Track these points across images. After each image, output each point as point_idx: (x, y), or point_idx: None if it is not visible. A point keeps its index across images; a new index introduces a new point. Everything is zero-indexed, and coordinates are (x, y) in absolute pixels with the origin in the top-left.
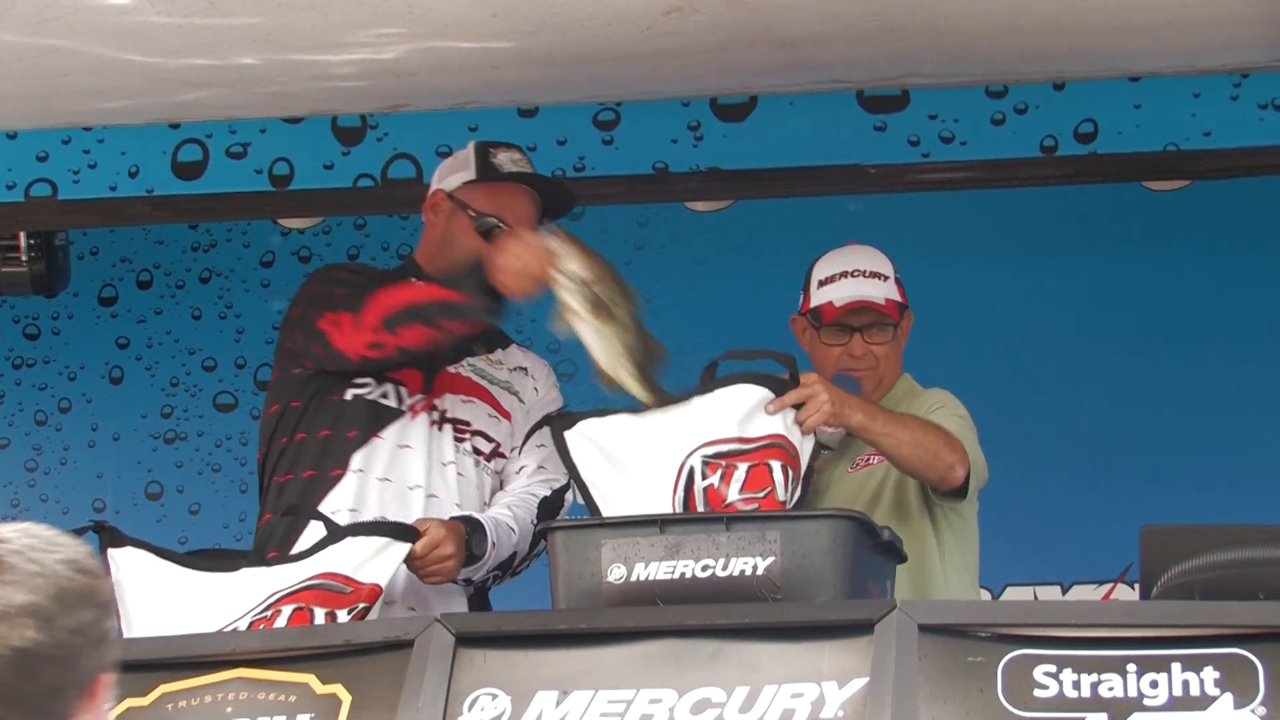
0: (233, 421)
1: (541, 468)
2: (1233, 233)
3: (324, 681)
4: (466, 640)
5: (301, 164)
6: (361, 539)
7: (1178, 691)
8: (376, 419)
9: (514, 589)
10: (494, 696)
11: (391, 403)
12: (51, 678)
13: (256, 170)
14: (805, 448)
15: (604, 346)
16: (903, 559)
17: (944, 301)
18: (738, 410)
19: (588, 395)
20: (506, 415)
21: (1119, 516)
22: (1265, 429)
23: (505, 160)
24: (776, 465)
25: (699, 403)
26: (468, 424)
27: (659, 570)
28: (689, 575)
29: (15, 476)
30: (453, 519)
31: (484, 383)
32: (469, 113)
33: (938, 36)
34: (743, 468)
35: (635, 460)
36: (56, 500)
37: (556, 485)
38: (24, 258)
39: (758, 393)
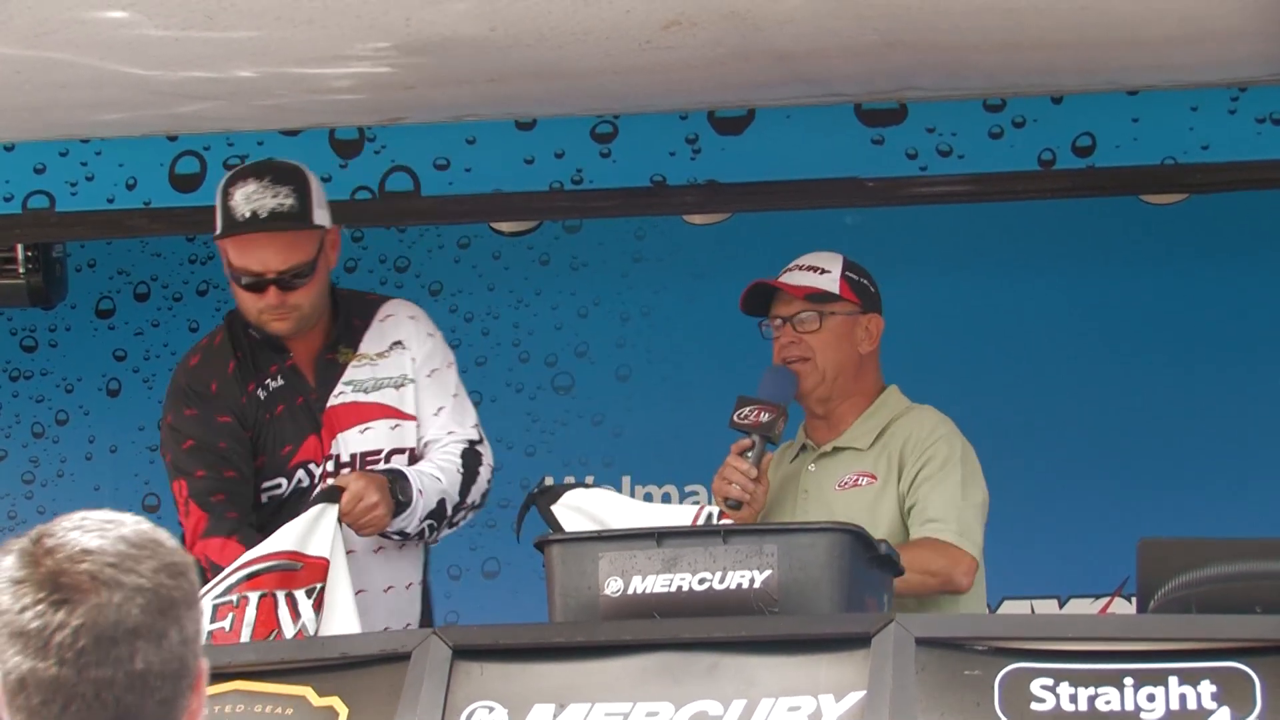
0: None
1: (451, 433)
2: (1230, 246)
3: (321, 694)
4: (463, 653)
5: None
6: (297, 517)
7: (1175, 705)
8: (297, 509)
9: (510, 602)
10: (490, 709)
11: (305, 485)
12: (166, 690)
13: None
14: None
15: None
16: (899, 572)
17: (941, 314)
18: None
19: (584, 408)
20: (405, 415)
21: (1116, 529)
22: (1263, 441)
23: (239, 202)
24: None
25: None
26: (377, 452)
27: (656, 583)
28: (686, 588)
29: (12, 488)
30: (373, 471)
31: (369, 398)
32: (466, 125)
33: (936, 51)
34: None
35: (620, 523)
36: (54, 512)
37: (472, 438)
38: (21, 270)
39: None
